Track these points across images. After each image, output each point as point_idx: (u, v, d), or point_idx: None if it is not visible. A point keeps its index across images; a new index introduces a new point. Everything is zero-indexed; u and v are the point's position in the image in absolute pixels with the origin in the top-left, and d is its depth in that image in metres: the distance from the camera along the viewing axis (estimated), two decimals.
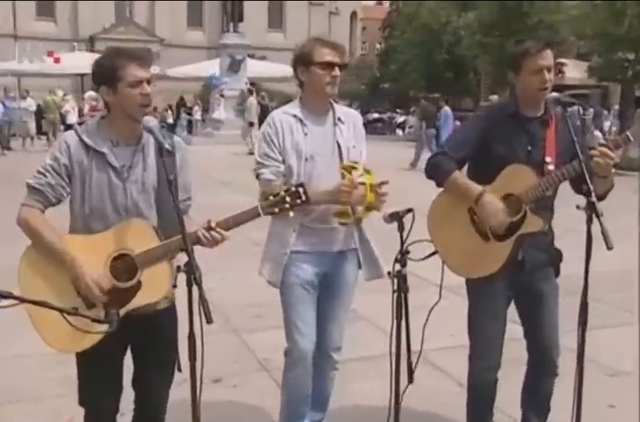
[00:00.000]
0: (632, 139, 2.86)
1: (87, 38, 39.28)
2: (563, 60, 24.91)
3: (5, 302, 2.14)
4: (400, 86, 36.73)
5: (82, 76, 29.67)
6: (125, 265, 2.53)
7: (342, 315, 3.26)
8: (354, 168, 2.91)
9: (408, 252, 2.65)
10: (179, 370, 2.71)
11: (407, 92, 37.16)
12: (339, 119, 3.13)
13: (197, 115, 28.11)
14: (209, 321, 2.24)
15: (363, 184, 2.88)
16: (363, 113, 35.73)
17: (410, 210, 2.67)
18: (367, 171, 2.90)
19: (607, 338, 4.74)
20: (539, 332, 3.15)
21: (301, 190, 2.50)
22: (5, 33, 37.32)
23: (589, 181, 2.68)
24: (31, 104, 22.01)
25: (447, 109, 18.27)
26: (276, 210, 2.49)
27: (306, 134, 3.06)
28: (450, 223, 3.11)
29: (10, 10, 38.44)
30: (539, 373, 3.25)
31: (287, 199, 2.49)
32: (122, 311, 2.49)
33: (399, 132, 31.13)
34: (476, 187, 2.99)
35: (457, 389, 3.83)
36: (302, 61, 3.03)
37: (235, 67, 26.12)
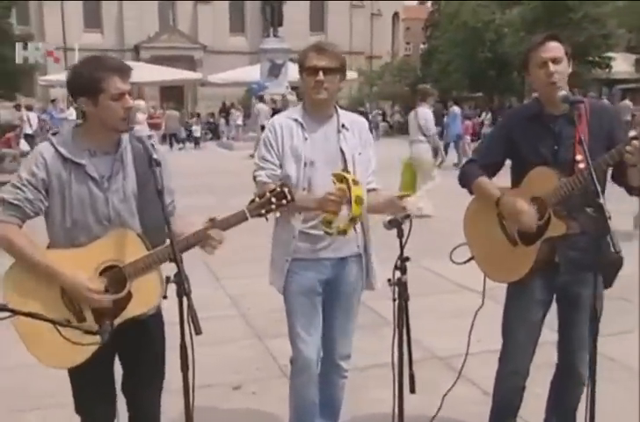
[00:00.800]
0: None
1: (132, 47, 40.10)
2: (611, 54, 24.43)
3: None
4: (442, 86, 36.32)
5: None
6: (113, 277, 2.50)
7: (348, 322, 3.22)
8: (345, 178, 2.81)
9: (408, 259, 2.58)
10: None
11: (450, 92, 36.77)
12: (343, 125, 3.08)
13: (238, 120, 28.28)
14: (198, 332, 2.22)
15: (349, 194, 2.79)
16: (406, 114, 35.58)
17: (407, 216, 2.61)
18: (356, 183, 2.80)
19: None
20: (570, 342, 3.09)
21: (285, 190, 2.52)
22: (56, 46, 38.41)
23: (597, 183, 2.55)
24: (71, 113, 22.54)
25: (455, 109, 19.16)
26: (262, 212, 2.52)
27: (306, 139, 3.02)
28: (482, 228, 3.14)
29: (60, 24, 39.51)
30: (565, 382, 3.20)
31: (273, 199, 2.52)
32: (116, 322, 2.48)
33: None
34: (497, 191, 3.00)
35: (481, 397, 3.76)
36: (299, 67, 3.03)
37: (275, 71, 26.31)
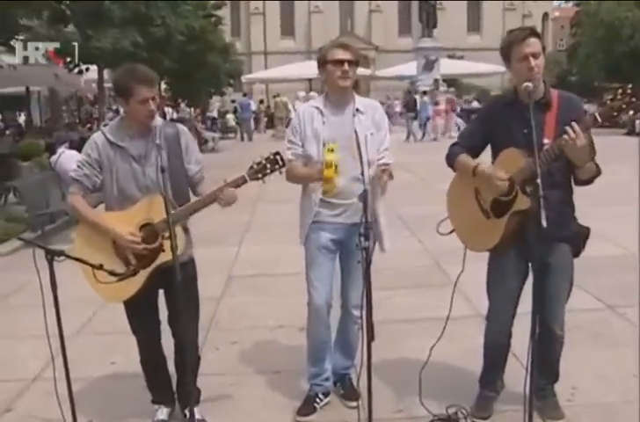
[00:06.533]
0: (599, 120, 2.50)
1: (317, 50, 40.69)
2: None
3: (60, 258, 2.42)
4: (584, 78, 33.46)
5: (310, 80, 30.86)
6: (149, 232, 2.64)
7: (358, 277, 3.06)
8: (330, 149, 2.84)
9: (370, 228, 2.56)
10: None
11: (592, 83, 33.69)
12: (358, 109, 3.01)
13: (397, 108, 27.71)
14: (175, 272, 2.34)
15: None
16: None
17: (365, 190, 2.59)
18: (331, 150, 2.79)
19: None
20: (544, 306, 2.81)
21: (278, 157, 2.53)
22: (259, 51, 40.16)
23: (538, 165, 2.38)
24: (250, 103, 23.93)
25: (424, 99, 20.99)
26: (259, 176, 2.54)
27: (324, 123, 3.00)
28: (461, 203, 2.98)
29: (262, 33, 41.16)
30: (542, 340, 2.93)
31: (268, 165, 2.51)
32: (153, 266, 2.61)
33: None
34: (473, 161, 2.85)
35: None
36: (320, 61, 2.99)
37: (429, 66, 25.81)
